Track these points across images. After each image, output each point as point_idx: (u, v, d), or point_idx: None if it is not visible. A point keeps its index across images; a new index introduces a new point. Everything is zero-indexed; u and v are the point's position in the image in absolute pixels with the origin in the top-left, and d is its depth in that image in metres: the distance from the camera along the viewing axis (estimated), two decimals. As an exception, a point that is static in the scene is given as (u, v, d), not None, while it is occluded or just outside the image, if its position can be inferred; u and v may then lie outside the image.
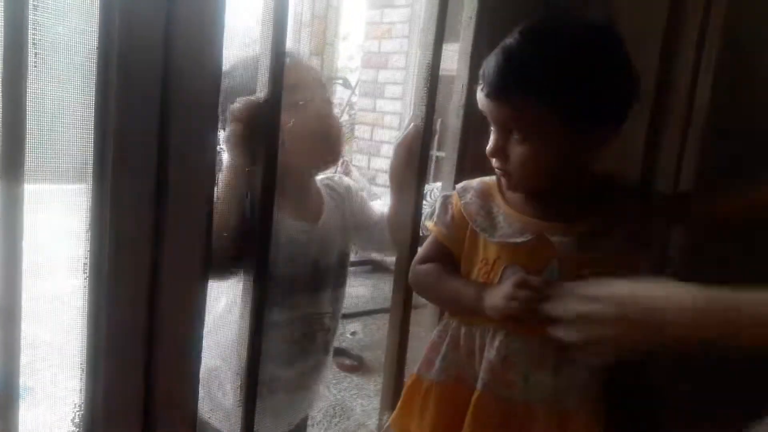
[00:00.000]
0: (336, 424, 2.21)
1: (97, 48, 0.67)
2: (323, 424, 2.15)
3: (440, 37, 1.01)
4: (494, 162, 0.86)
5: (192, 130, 0.72)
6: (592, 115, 0.80)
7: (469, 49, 1.02)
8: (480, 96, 0.84)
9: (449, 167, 1.08)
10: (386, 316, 1.22)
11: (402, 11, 4.37)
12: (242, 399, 0.87)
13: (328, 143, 1.07)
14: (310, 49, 4.82)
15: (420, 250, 1.01)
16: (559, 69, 0.78)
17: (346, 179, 1.22)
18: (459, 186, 0.97)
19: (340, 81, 4.87)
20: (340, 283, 1.14)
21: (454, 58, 1.10)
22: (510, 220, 0.90)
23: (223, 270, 0.89)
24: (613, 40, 0.82)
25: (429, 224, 0.99)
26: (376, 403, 2.34)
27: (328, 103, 1.08)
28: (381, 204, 1.23)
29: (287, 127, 0.98)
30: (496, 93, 0.81)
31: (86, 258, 0.70)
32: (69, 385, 0.73)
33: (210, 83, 0.72)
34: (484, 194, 0.94)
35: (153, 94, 0.68)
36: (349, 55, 5.27)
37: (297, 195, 1.06)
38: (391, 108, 4.47)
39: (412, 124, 1.10)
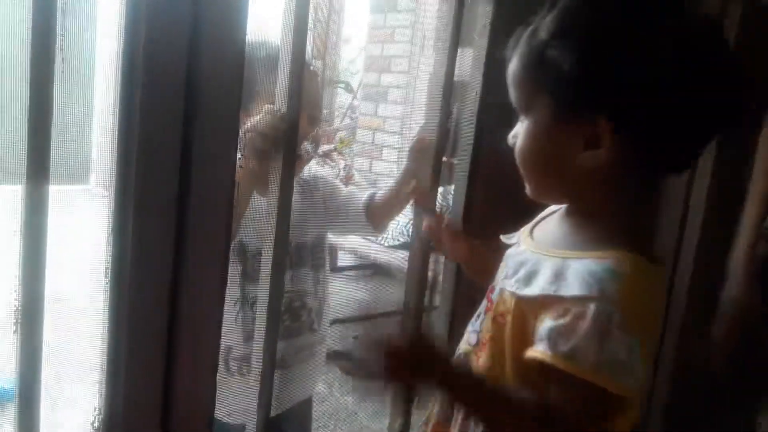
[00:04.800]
0: (341, 427, 2.21)
1: (122, 53, 0.67)
2: (328, 427, 2.16)
3: (455, 44, 1.02)
4: None
5: (214, 136, 0.72)
6: (576, 93, 0.65)
7: (482, 57, 1.03)
8: None
9: (462, 174, 1.08)
10: (388, 320, 1.23)
11: (405, 15, 4.38)
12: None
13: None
14: (312, 53, 4.83)
15: None
16: (557, 32, 0.65)
17: (319, 172, 1.33)
18: None
19: (342, 85, 4.88)
20: (318, 264, 1.21)
21: (465, 63, 1.10)
22: (528, 227, 0.81)
23: None
24: (651, 13, 0.63)
25: None
26: (380, 406, 2.34)
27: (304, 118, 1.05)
28: (353, 188, 1.33)
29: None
30: (508, 65, 0.72)
31: (108, 262, 0.71)
32: (87, 389, 0.73)
33: (232, 91, 0.73)
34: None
35: (177, 101, 0.69)
36: (350, 59, 5.27)
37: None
38: (394, 112, 4.48)
39: (423, 135, 1.12)
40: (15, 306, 0.64)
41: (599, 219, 0.70)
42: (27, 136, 0.63)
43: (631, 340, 0.61)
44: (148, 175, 0.68)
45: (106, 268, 0.70)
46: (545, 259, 0.70)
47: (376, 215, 1.26)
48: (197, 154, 0.71)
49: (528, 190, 0.74)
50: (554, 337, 0.62)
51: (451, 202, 1.14)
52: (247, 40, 0.73)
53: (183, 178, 0.70)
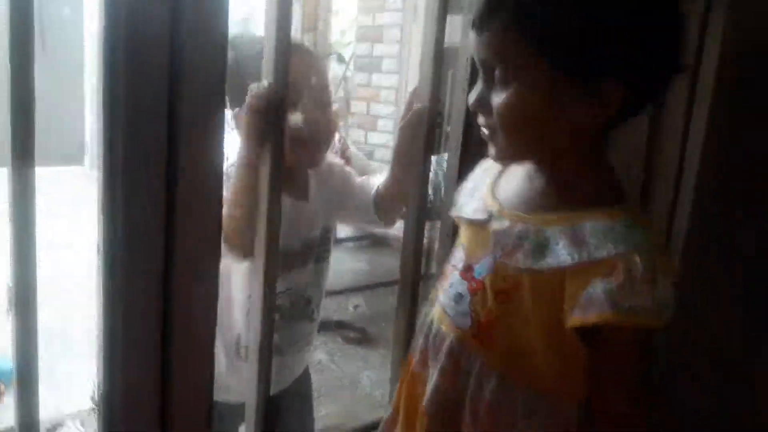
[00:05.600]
0: (343, 396, 2.24)
1: (104, 30, 0.66)
2: (331, 396, 2.19)
3: (444, 10, 1.01)
4: (479, 120, 0.72)
5: (200, 112, 0.72)
6: (585, 58, 0.64)
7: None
8: (471, 36, 0.71)
9: (455, 142, 1.08)
10: (388, 289, 1.26)
11: (396, -17, 4.31)
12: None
13: (303, 147, 1.05)
14: (302, 25, 4.76)
15: None
16: None
17: (334, 160, 1.23)
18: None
19: (334, 56, 4.83)
20: (323, 257, 1.18)
21: (456, 30, 1.09)
22: (480, 197, 0.79)
23: (238, 251, 0.91)
24: None
25: None
26: (381, 374, 2.38)
27: (311, 103, 1.04)
28: (366, 179, 1.25)
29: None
30: (478, 21, 0.68)
31: (99, 240, 0.71)
32: (84, 364, 0.74)
33: (216, 67, 0.72)
34: (488, 170, 0.83)
35: (161, 77, 0.68)
36: (342, 30, 5.21)
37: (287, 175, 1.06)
38: (388, 82, 4.44)
39: (415, 105, 1.09)
40: (8, 286, 0.64)
41: (588, 177, 0.71)
42: (10, 118, 0.62)
43: (668, 280, 0.65)
44: (135, 154, 0.68)
45: (98, 246, 0.70)
46: (547, 228, 0.69)
47: (385, 209, 1.19)
48: (183, 131, 0.70)
49: (499, 151, 0.72)
50: (613, 297, 0.63)
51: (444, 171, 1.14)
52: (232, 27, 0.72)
53: (170, 155, 0.70)
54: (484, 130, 0.73)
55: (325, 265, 1.20)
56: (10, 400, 1.84)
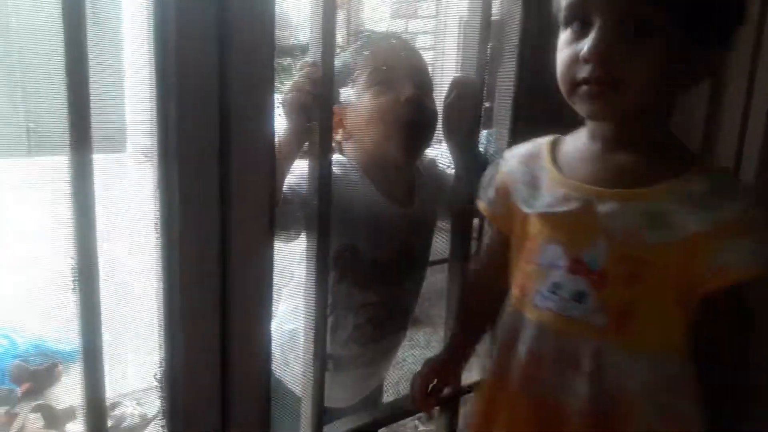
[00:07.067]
0: (389, 374, 2.25)
1: (153, 10, 0.66)
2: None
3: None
4: (591, 68, 0.68)
5: (250, 88, 0.72)
6: (705, 30, 0.67)
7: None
8: None
9: (502, 117, 1.05)
10: (431, 269, 1.22)
11: (430, -43, 4.24)
12: (313, 373, 0.89)
13: (398, 139, 0.99)
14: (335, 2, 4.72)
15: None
16: None
17: (428, 156, 1.15)
18: (507, 151, 0.86)
19: (367, 34, 4.78)
20: (424, 262, 1.12)
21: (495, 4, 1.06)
22: (554, 186, 0.75)
23: (288, 229, 0.90)
24: None
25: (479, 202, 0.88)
26: (427, 353, 2.38)
27: (410, 96, 0.98)
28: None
29: (362, 112, 0.99)
30: None
31: (156, 218, 0.71)
32: (138, 344, 0.75)
33: (265, 41, 0.72)
34: (532, 158, 0.80)
35: (211, 53, 0.68)
36: (374, 5, 5.15)
37: (385, 178, 1.03)
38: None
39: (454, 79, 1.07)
40: (72, 266, 0.65)
41: (670, 140, 0.73)
42: (67, 105, 0.63)
43: None
44: (188, 131, 0.68)
45: (156, 224, 0.71)
46: (659, 200, 0.68)
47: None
48: (235, 106, 0.70)
49: (617, 103, 0.68)
50: (755, 253, 0.65)
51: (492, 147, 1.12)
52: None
53: (223, 131, 0.70)
54: (598, 79, 0.68)
55: (425, 270, 1.12)
56: (68, 381, 1.91)
